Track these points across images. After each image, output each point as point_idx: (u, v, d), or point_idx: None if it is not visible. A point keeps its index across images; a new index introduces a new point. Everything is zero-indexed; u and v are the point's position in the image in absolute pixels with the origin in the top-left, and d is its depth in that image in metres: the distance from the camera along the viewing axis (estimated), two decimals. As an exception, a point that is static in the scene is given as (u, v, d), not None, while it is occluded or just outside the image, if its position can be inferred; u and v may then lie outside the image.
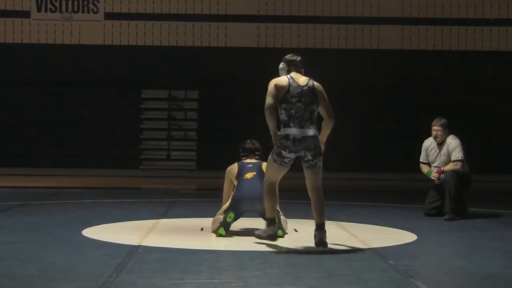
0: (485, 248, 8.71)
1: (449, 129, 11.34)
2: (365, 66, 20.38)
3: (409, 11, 20.75)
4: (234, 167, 9.35)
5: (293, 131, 8.26)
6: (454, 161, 11.15)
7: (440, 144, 11.29)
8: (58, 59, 20.36)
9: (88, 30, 20.52)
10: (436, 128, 11.29)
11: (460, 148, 11.16)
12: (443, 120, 11.32)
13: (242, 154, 9.52)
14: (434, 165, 11.35)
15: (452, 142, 11.21)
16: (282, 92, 8.30)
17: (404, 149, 18.88)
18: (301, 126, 8.25)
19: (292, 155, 8.32)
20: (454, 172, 11.06)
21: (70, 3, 20.55)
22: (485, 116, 20.43)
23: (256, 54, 20.55)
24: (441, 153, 11.26)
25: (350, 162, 19.95)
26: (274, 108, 8.29)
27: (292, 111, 8.27)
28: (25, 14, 20.49)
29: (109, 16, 20.57)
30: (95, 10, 20.56)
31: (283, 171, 8.43)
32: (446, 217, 10.89)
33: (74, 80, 20.40)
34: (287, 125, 8.29)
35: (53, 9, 20.53)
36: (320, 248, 8.15)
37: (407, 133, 19.49)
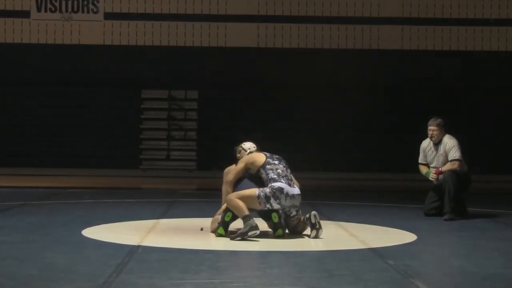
0: (485, 248, 8.70)
1: (446, 129, 11.32)
2: (365, 66, 20.37)
3: (409, 11, 20.74)
4: (231, 168, 9.34)
5: (285, 186, 8.80)
6: (451, 160, 11.13)
7: (437, 145, 11.27)
8: (58, 59, 20.36)
9: (88, 30, 20.51)
10: (432, 128, 11.27)
11: (457, 147, 11.13)
12: (439, 120, 11.29)
13: (239, 156, 9.50)
14: (432, 165, 11.34)
15: (449, 142, 11.19)
16: (262, 160, 9.02)
17: (404, 149, 18.84)
18: (289, 184, 8.87)
19: (276, 207, 8.78)
20: (453, 172, 11.05)
21: (70, 3, 20.54)
22: (485, 116, 20.42)
23: (256, 54, 20.55)
24: (439, 153, 11.24)
25: (350, 162, 19.96)
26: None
27: (279, 170, 8.90)
28: (25, 14, 20.49)
29: (109, 16, 20.57)
30: (95, 10, 20.56)
31: (253, 204, 8.76)
32: (446, 217, 10.88)
33: (74, 80, 20.40)
34: (277, 181, 8.80)
35: (53, 9, 20.52)
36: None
37: (407, 133, 19.45)
